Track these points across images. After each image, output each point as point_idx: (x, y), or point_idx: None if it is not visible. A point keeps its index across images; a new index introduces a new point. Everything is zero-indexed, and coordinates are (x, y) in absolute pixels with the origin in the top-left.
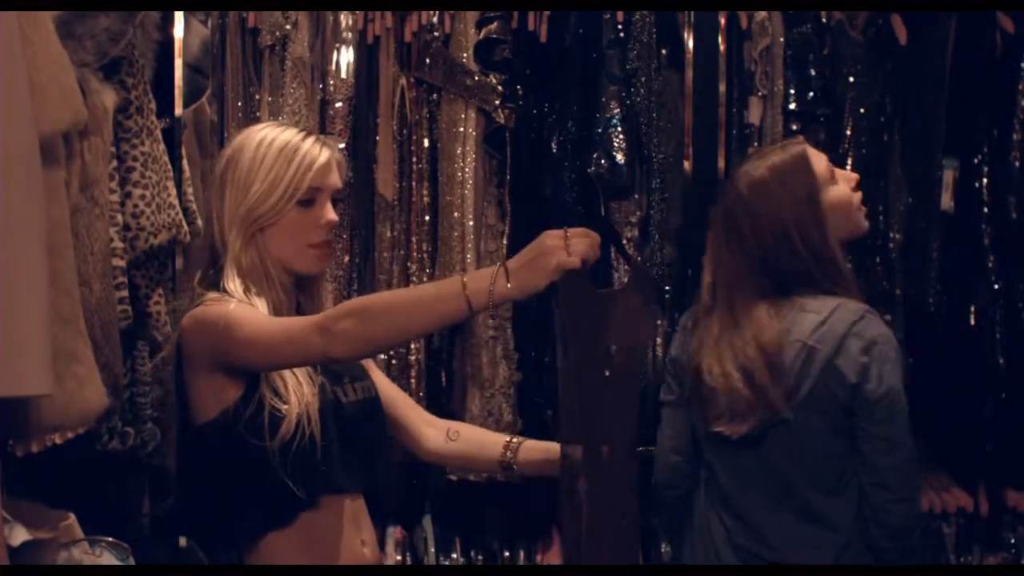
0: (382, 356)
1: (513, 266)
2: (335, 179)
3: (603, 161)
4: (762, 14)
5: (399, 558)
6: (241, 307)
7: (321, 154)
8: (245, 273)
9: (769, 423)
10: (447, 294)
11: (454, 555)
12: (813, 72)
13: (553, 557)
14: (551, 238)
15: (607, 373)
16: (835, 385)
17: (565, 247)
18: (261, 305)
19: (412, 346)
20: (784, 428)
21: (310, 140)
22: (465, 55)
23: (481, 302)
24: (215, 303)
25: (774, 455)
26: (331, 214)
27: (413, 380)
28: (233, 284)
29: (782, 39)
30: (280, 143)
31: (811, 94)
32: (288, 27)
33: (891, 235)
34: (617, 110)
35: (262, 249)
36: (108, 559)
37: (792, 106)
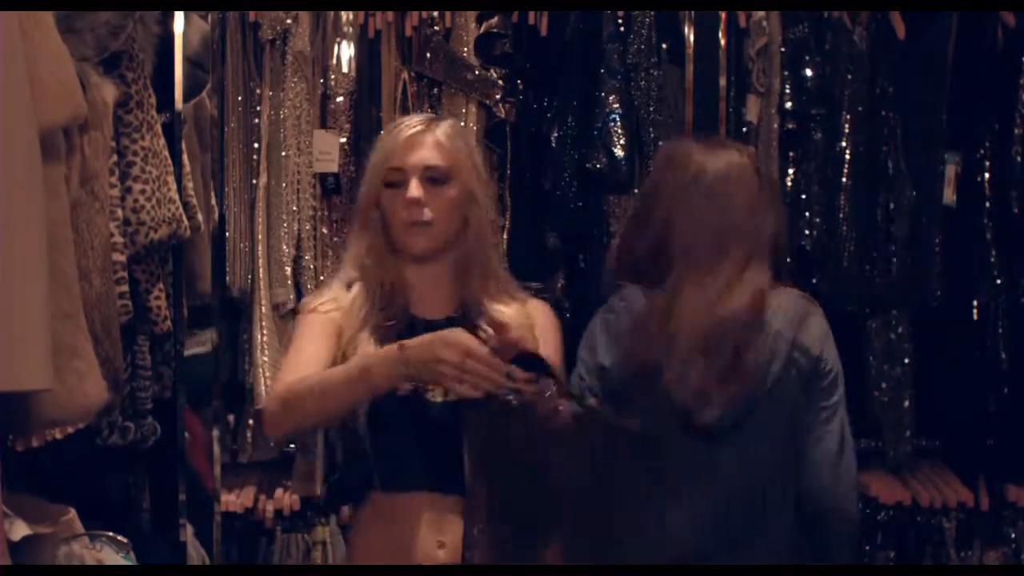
0: None
1: (413, 353)
2: (420, 157)
3: (602, 156)
4: (759, 13)
5: None
6: (306, 324)
7: (406, 133)
8: (355, 260)
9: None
10: (353, 378)
11: None
12: (809, 72)
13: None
14: (450, 349)
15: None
16: (802, 360)
17: (456, 366)
18: (355, 291)
19: None
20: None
21: (410, 121)
22: (466, 49)
23: (382, 385)
24: (313, 300)
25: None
26: (412, 191)
27: None
28: (343, 274)
29: (779, 38)
30: (388, 129)
31: (806, 93)
32: (289, 21)
33: (893, 230)
34: (617, 105)
35: (374, 234)
36: (108, 554)
37: (788, 105)
